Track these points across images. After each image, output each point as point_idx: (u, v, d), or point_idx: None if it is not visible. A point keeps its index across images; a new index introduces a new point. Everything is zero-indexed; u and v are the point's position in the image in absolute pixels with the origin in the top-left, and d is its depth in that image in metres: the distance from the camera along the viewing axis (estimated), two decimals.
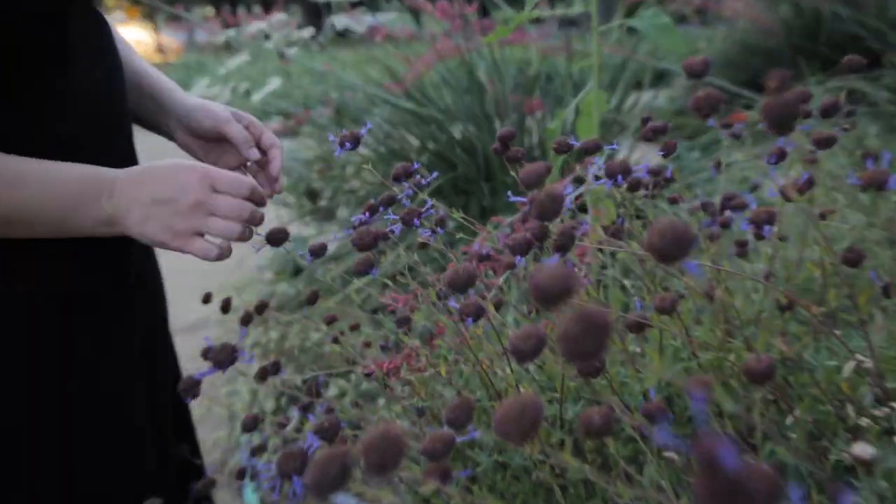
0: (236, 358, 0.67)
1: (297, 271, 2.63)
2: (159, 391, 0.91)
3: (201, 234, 0.71)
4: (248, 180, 0.74)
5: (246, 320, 0.92)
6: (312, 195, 2.84)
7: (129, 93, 0.86)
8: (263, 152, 0.86)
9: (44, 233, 0.67)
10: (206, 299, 0.99)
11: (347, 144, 0.73)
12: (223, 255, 0.74)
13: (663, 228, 0.35)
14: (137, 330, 0.86)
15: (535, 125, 2.55)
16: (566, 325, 0.30)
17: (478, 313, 0.56)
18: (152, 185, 0.70)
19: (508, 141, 0.79)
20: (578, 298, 0.78)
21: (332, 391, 1.86)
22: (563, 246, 0.59)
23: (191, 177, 0.70)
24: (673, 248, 0.34)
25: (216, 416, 2.00)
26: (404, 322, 0.77)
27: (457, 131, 2.62)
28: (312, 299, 0.99)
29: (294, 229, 2.87)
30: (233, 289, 2.70)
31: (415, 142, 2.65)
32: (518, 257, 0.57)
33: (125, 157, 0.82)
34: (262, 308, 0.97)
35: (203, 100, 0.87)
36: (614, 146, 0.72)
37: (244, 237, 0.74)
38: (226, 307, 1.01)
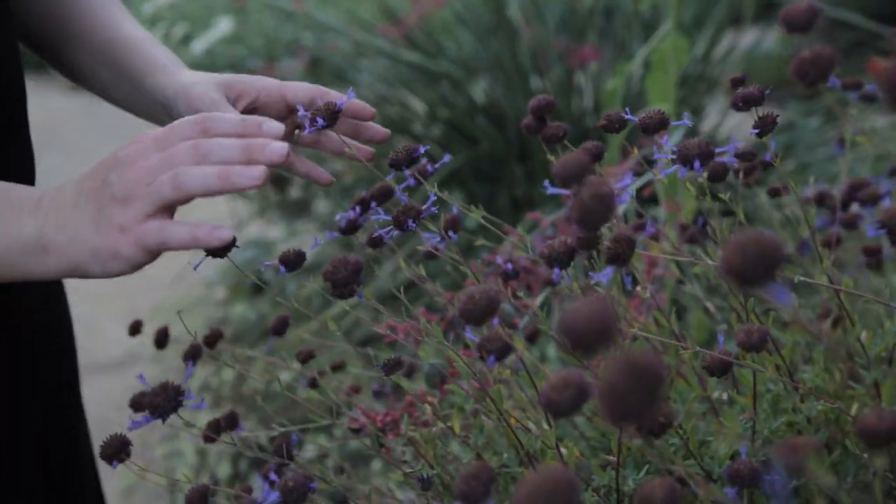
0: (180, 402, 0.70)
1: (259, 287, 2.66)
2: (64, 476, 0.94)
3: (169, 209, 0.65)
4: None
5: (192, 354, 0.95)
6: (279, 182, 2.88)
7: (99, 70, 0.89)
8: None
9: None
10: (135, 329, 1.03)
11: (320, 121, 0.74)
12: (227, 235, 0.65)
13: (743, 243, 0.37)
14: (30, 389, 0.89)
15: (588, 82, 2.58)
16: (606, 378, 0.32)
17: (502, 351, 0.58)
18: (86, 177, 0.67)
19: (545, 113, 0.81)
20: (639, 330, 0.81)
21: (309, 452, 1.89)
22: (620, 256, 0.62)
23: (133, 144, 0.67)
24: (754, 270, 0.36)
25: (150, 488, 2.03)
26: (395, 366, 0.79)
27: (479, 92, 2.65)
28: (280, 328, 1.02)
29: (254, 230, 2.91)
30: (172, 312, 2.74)
31: (420, 107, 2.69)
32: (556, 270, 0.59)
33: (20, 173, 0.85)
34: (213, 339, 1.01)
35: (203, 73, 0.83)
36: (685, 121, 0.75)
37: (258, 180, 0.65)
38: (161, 339, 1.05)
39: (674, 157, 0.67)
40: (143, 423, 0.71)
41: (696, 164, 0.65)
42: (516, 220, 2.27)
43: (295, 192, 2.90)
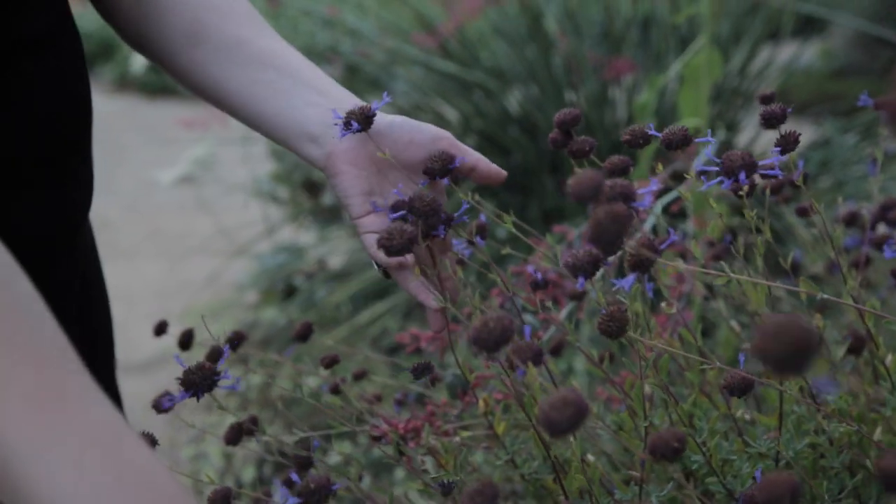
0: (216, 382, 0.71)
1: (290, 292, 2.69)
2: None
3: None
4: None
5: (214, 356, 0.96)
6: (312, 188, 2.90)
7: (239, 89, 0.84)
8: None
9: None
10: (161, 329, 1.04)
11: (354, 125, 0.76)
12: None
13: (775, 329, 0.37)
14: None
15: (623, 95, 2.57)
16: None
17: (535, 358, 0.58)
18: None
19: (571, 127, 0.82)
20: (667, 344, 0.81)
21: (333, 458, 1.90)
22: (642, 262, 0.62)
23: None
24: (789, 358, 0.36)
25: None
26: (424, 370, 0.80)
27: (513, 103, 2.65)
28: (303, 334, 1.03)
29: (286, 234, 2.94)
30: (202, 314, 2.77)
31: (454, 116, 2.70)
32: (580, 279, 0.60)
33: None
34: (237, 341, 1.02)
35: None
36: (709, 138, 0.75)
37: None
38: (186, 341, 1.06)
39: (715, 169, 0.67)
40: (179, 400, 0.72)
41: (742, 176, 0.65)
42: (546, 232, 2.27)
43: (328, 198, 2.91)
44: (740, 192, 0.67)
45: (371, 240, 0.80)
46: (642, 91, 2.57)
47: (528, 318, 1.01)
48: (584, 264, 0.61)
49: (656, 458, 0.54)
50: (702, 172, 0.70)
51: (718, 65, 1.67)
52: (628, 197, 0.60)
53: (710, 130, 0.79)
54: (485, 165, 0.81)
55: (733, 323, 0.99)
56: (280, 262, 2.71)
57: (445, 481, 0.77)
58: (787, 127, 0.77)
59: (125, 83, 7.42)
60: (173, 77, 0.89)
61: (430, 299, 0.79)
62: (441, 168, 0.77)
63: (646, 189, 0.67)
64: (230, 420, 2.12)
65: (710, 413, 0.84)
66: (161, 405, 0.73)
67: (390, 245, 0.68)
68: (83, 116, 0.83)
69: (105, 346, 1.00)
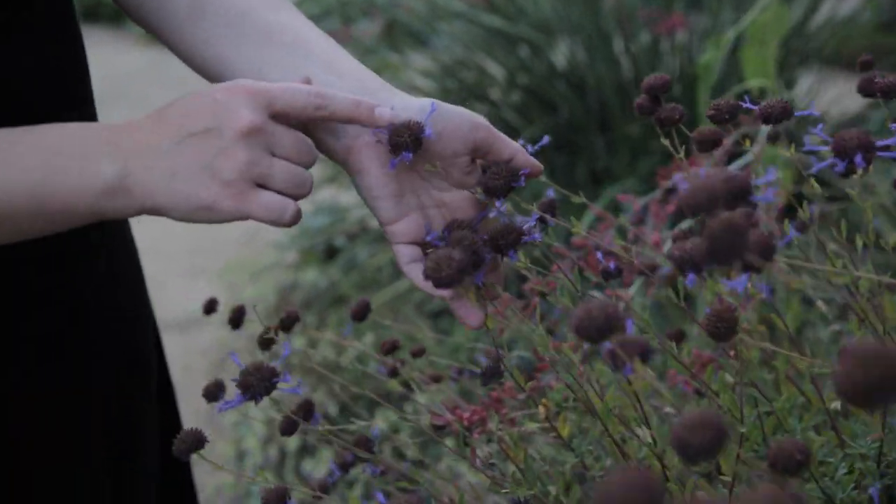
0: (274, 385, 0.66)
1: (331, 253, 2.65)
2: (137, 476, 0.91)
3: (263, 186, 0.66)
4: (315, 90, 0.68)
5: (265, 344, 0.92)
6: None
7: (245, 67, 0.76)
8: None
9: (11, 231, 0.66)
10: (210, 308, 1.00)
11: (406, 154, 0.68)
12: (297, 216, 0.68)
13: (863, 357, 0.33)
14: (97, 376, 0.85)
15: (675, 53, 2.48)
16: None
17: (644, 353, 0.52)
18: (179, 118, 0.65)
19: (660, 92, 0.75)
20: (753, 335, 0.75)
21: (378, 426, 1.87)
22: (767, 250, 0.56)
23: (235, 93, 0.65)
24: (876, 392, 0.33)
25: (220, 455, 2.04)
26: (494, 375, 0.74)
27: (559, 57, 2.58)
28: (360, 313, 0.99)
29: (326, 195, 2.89)
30: (241, 273, 2.74)
31: (498, 72, 2.62)
32: (690, 276, 0.54)
33: None
34: (289, 322, 0.98)
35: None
36: (812, 111, 0.67)
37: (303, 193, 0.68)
38: (236, 318, 1.01)
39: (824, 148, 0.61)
40: (235, 405, 0.68)
41: (858, 158, 0.58)
42: (595, 194, 2.21)
43: None
44: (854, 174, 0.61)
45: (406, 253, 0.72)
46: (695, 47, 2.48)
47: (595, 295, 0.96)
48: (694, 258, 0.55)
49: (777, 471, 0.49)
50: (810, 152, 0.63)
51: (785, 21, 1.59)
52: (744, 195, 0.53)
53: (811, 103, 0.72)
54: (523, 158, 0.72)
55: (819, 303, 0.92)
56: (320, 223, 2.67)
57: (521, 498, 0.72)
58: (842, 86, 0.70)
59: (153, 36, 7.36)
60: (178, 55, 0.82)
61: (473, 319, 0.71)
62: (504, 185, 0.70)
63: (764, 179, 0.60)
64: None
65: (796, 399, 0.78)
66: (217, 406, 0.68)
67: (439, 277, 0.61)
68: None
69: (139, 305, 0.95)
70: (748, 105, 0.68)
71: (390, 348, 0.94)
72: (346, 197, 2.79)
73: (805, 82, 2.56)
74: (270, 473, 1.90)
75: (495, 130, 0.72)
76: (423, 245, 0.72)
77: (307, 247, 2.72)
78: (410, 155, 0.68)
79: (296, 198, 0.67)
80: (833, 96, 2.32)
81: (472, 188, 0.72)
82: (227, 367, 2.32)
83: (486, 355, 0.98)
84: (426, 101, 0.70)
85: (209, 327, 2.71)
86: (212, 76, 0.78)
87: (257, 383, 0.64)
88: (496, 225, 0.70)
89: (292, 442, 1.90)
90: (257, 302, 2.57)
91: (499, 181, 0.70)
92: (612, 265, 0.78)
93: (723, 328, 0.57)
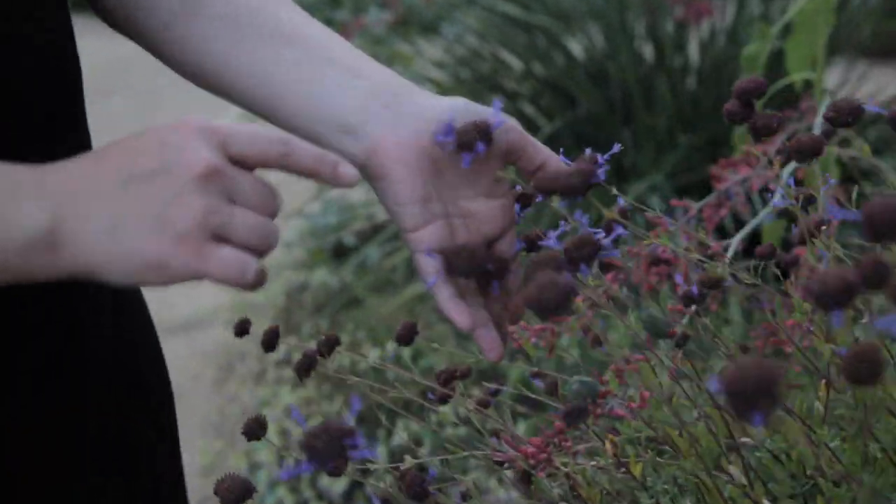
0: (346, 453, 0.57)
1: (341, 252, 2.56)
2: None
3: (221, 239, 0.56)
4: (277, 136, 0.60)
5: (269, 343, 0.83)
6: None
7: (253, 69, 0.70)
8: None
9: None
10: (242, 331, 0.91)
11: (480, 146, 0.63)
12: (262, 276, 0.58)
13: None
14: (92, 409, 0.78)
15: (699, 43, 2.40)
16: None
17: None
18: (120, 158, 0.56)
19: (753, 97, 0.67)
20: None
21: (399, 437, 1.79)
22: None
23: (187, 131, 0.56)
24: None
25: (231, 468, 1.96)
26: (580, 415, 0.66)
27: (578, 47, 2.50)
28: (406, 336, 0.90)
29: (335, 192, 2.80)
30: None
31: (515, 63, 2.54)
32: (835, 314, 0.45)
33: None
34: (331, 345, 0.89)
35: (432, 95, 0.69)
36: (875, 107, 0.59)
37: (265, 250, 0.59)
38: (241, 329, 0.92)
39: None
40: (300, 472, 0.59)
41: None
42: (620, 190, 2.12)
43: None
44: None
45: (429, 266, 0.65)
46: (719, 36, 2.40)
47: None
48: (838, 293, 0.46)
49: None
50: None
51: (831, 9, 1.50)
52: None
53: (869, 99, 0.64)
54: (555, 164, 0.67)
55: None
56: (328, 221, 2.59)
57: None
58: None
59: None
60: (164, 58, 0.74)
61: (494, 352, 0.67)
62: (582, 183, 0.63)
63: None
64: (285, 393, 2.00)
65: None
66: (280, 474, 0.60)
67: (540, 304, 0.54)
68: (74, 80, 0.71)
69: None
70: (875, 108, 0.60)
71: (448, 378, 0.85)
72: (356, 194, 2.71)
73: (834, 73, 2.48)
74: (285, 489, 1.82)
75: (527, 134, 0.67)
76: (447, 254, 0.65)
77: (316, 246, 2.64)
78: (483, 146, 0.62)
79: (260, 253, 0.57)
80: (875, 87, 2.25)
81: (533, 190, 0.65)
82: (237, 373, 2.24)
83: (541, 380, 0.90)
84: (459, 101, 0.66)
85: (209, 330, 2.63)
86: (208, 79, 0.71)
87: (326, 449, 0.54)
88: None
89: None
90: (265, 303, 2.49)
91: (577, 179, 0.63)
92: (694, 289, 0.69)
93: (865, 369, 0.49)
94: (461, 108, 0.65)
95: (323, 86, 0.67)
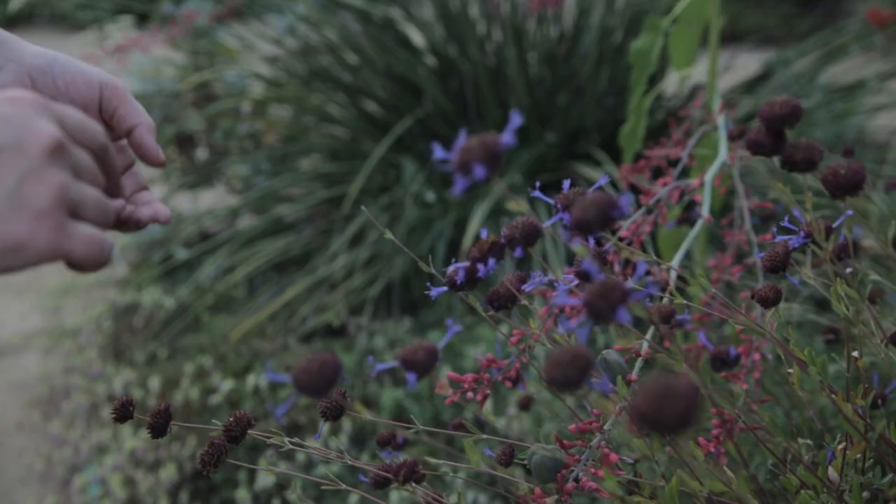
0: None
1: (167, 263, 2.33)
2: None
3: (76, 214, 0.56)
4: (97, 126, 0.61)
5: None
6: (185, 143, 2.53)
7: None
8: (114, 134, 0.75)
9: None
10: (124, 415, 0.74)
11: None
12: (110, 253, 0.58)
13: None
14: None
15: (539, 35, 2.33)
16: None
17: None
18: None
19: (787, 126, 0.56)
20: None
21: (263, 480, 1.61)
22: None
23: (24, 105, 0.55)
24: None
25: None
26: None
27: (420, 37, 2.38)
28: (335, 411, 0.77)
29: (156, 194, 2.57)
30: (84, 292, 2.39)
31: (352, 57, 2.38)
32: None
33: None
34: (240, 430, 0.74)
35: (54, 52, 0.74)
36: None
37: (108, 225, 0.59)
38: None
39: None
40: None
41: None
42: (481, 193, 2.02)
43: (201, 153, 2.55)
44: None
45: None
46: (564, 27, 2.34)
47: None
48: None
49: None
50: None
51: (716, 3, 1.45)
52: None
53: None
54: (145, 134, 0.72)
55: None
56: (154, 232, 2.35)
57: None
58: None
59: None
60: None
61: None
62: (599, 218, 0.52)
63: None
64: (127, 437, 1.77)
65: None
66: None
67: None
68: None
69: None
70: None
71: (385, 441, 0.72)
72: (180, 201, 2.49)
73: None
74: None
75: (128, 95, 0.72)
76: None
77: (141, 258, 2.39)
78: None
79: (103, 230, 0.58)
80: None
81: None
82: (62, 408, 1.97)
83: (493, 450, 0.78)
84: (63, 56, 0.72)
85: (29, 356, 2.34)
86: None
87: None
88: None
89: None
90: (89, 327, 2.21)
91: (591, 212, 0.53)
92: (731, 350, 0.58)
93: None
94: (62, 60, 0.72)
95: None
